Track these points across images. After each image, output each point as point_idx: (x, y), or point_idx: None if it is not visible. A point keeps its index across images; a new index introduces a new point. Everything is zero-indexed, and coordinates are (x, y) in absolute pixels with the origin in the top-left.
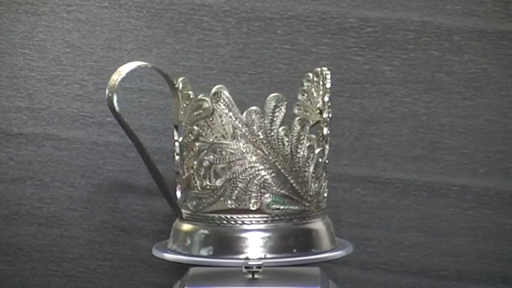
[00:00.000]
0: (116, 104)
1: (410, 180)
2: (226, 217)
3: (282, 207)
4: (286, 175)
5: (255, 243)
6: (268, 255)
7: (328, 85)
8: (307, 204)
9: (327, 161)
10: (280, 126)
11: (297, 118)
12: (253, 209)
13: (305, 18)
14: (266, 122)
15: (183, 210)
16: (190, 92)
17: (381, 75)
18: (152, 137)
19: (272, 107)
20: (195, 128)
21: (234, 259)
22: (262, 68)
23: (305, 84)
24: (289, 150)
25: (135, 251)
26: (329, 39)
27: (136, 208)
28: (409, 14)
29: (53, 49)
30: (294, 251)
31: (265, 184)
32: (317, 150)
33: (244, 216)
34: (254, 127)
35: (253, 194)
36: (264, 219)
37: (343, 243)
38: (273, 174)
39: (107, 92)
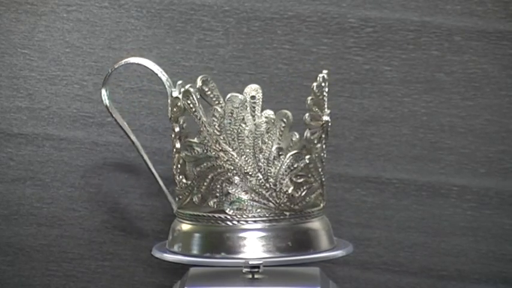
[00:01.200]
0: (103, 97)
1: (411, 180)
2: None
3: (243, 207)
4: (250, 176)
5: (254, 243)
6: (267, 255)
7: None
8: (274, 207)
9: (310, 165)
10: (245, 125)
11: (264, 117)
12: (214, 207)
13: (305, 18)
14: (226, 121)
15: (174, 207)
16: (172, 89)
17: (380, 75)
18: (152, 137)
19: (231, 108)
20: (175, 125)
21: (234, 259)
22: (262, 68)
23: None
24: (252, 150)
25: (135, 251)
26: (329, 39)
27: (136, 208)
28: (409, 14)
29: (53, 49)
30: (293, 250)
31: (228, 184)
32: (290, 153)
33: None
34: (217, 127)
35: (217, 193)
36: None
37: (343, 243)
38: (236, 175)
39: None
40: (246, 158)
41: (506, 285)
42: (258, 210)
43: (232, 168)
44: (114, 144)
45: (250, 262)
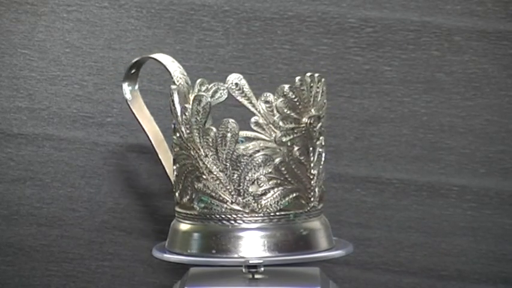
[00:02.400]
0: (125, 91)
1: (411, 181)
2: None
3: (208, 206)
4: (214, 176)
5: (254, 243)
6: (267, 254)
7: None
8: (236, 207)
9: (282, 168)
10: (211, 124)
11: (230, 120)
12: (188, 205)
13: (305, 19)
14: (193, 120)
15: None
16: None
17: (380, 75)
18: None
19: (197, 107)
20: (173, 121)
21: (234, 258)
22: (262, 68)
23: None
24: (214, 149)
25: (135, 251)
26: (329, 39)
27: (136, 208)
28: (409, 14)
29: (53, 49)
30: (293, 250)
31: (197, 182)
32: (259, 154)
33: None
34: (187, 125)
35: (188, 191)
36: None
37: (343, 243)
38: (203, 174)
39: None
40: (212, 157)
41: (506, 285)
42: (216, 208)
43: (199, 166)
44: (114, 145)
45: (250, 261)
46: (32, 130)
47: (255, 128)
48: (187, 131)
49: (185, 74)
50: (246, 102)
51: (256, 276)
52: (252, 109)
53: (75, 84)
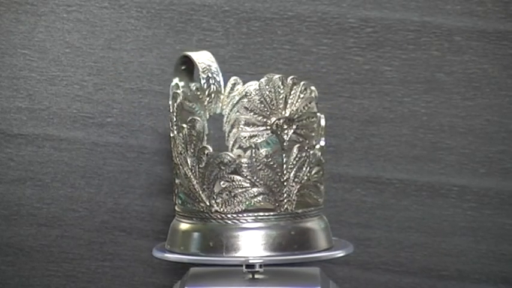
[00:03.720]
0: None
1: (411, 181)
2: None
3: (184, 203)
4: (188, 177)
5: (254, 242)
6: (267, 254)
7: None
8: (203, 207)
9: (243, 166)
10: (185, 126)
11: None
12: (175, 203)
13: (305, 19)
14: (173, 117)
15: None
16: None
17: (381, 76)
18: (152, 138)
19: (174, 105)
20: None
21: (234, 257)
22: (262, 68)
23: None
24: (185, 147)
25: (135, 251)
26: (329, 40)
27: (136, 209)
28: (409, 14)
29: (53, 49)
30: (293, 249)
31: (176, 177)
32: (223, 153)
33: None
34: (172, 123)
35: (174, 187)
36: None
37: (343, 243)
38: (179, 170)
39: None
40: (184, 155)
41: (507, 285)
42: (190, 207)
43: (176, 163)
44: (114, 145)
45: (250, 261)
46: (32, 130)
47: (224, 127)
48: (174, 130)
49: (214, 73)
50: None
51: (256, 276)
52: (223, 108)
53: (75, 85)
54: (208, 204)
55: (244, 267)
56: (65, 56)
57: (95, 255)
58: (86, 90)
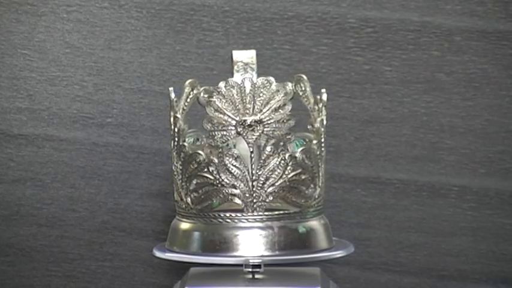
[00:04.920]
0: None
1: (411, 181)
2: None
3: (173, 199)
4: (173, 168)
5: (255, 242)
6: (267, 253)
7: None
8: (183, 204)
9: (209, 164)
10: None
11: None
12: (175, 201)
13: (305, 19)
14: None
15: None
16: None
17: (381, 76)
18: (152, 138)
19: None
20: None
21: (234, 257)
22: (262, 69)
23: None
24: (173, 142)
25: (136, 251)
26: (329, 40)
27: (136, 209)
28: (409, 14)
29: (53, 50)
30: (294, 249)
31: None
32: (195, 152)
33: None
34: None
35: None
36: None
37: (343, 243)
38: (172, 165)
39: None
40: (172, 150)
41: (507, 285)
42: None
43: (170, 157)
44: (114, 145)
45: (251, 261)
46: (32, 131)
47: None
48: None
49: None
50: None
51: (257, 276)
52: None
53: (75, 85)
54: (185, 201)
55: (244, 267)
56: (65, 56)
57: (95, 255)
58: (86, 91)
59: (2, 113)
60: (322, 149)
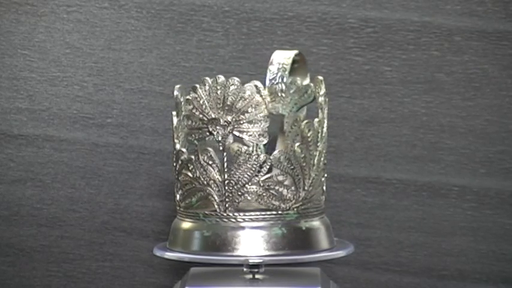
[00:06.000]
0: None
1: (411, 181)
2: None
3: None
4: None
5: (255, 242)
6: (268, 253)
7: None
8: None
9: (187, 162)
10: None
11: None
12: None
13: (305, 19)
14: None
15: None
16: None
17: (381, 76)
18: (152, 138)
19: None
20: None
21: (234, 257)
22: (262, 69)
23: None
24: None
25: (136, 251)
26: (329, 40)
27: (136, 209)
28: (409, 14)
29: (53, 50)
30: (294, 249)
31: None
32: (180, 150)
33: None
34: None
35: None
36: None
37: (343, 244)
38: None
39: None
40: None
41: (507, 285)
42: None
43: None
44: (114, 145)
45: (251, 260)
46: (32, 131)
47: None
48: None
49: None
50: None
51: (257, 276)
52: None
53: (75, 85)
54: (177, 197)
55: (244, 267)
56: (65, 57)
57: (95, 255)
58: (86, 91)
59: (2, 113)
60: (311, 152)
